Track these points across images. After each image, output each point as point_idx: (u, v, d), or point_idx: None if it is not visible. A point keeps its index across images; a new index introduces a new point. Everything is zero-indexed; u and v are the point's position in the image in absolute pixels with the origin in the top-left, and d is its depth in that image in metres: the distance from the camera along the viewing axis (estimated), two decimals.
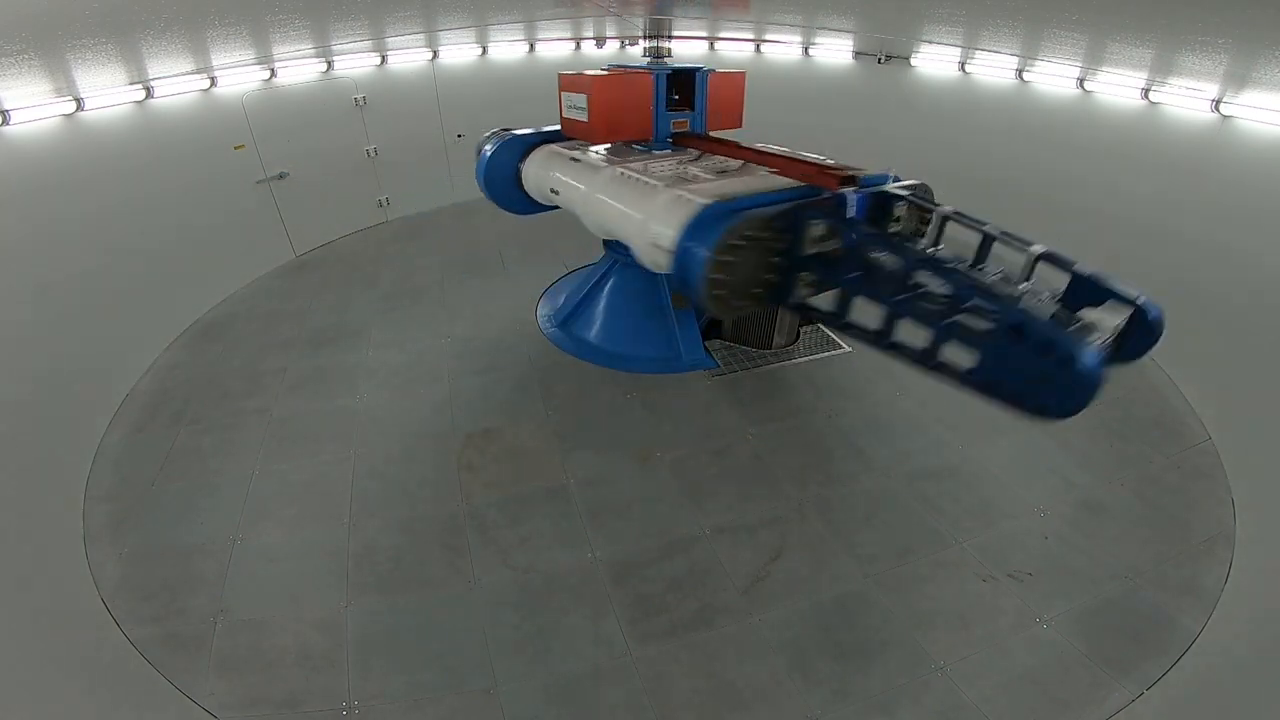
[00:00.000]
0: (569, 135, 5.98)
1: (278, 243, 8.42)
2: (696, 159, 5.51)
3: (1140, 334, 3.03)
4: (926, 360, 3.14)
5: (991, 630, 3.92)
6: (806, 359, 6.44)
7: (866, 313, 3.53)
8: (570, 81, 5.59)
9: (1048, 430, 5.50)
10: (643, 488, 4.93)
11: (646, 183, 4.46)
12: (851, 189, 3.94)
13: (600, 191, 4.91)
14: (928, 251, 3.51)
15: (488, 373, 6.24)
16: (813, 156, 4.67)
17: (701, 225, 3.63)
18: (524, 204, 6.34)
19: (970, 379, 2.97)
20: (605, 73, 5.59)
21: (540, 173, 5.84)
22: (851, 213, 3.86)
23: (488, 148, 6.12)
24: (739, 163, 5.24)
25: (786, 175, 4.54)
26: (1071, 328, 2.83)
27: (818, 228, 3.68)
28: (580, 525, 4.61)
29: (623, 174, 4.80)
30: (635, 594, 4.13)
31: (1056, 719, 3.48)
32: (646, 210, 4.16)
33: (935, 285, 3.15)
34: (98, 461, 5.16)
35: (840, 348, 6.61)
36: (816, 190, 4.10)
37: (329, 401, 5.86)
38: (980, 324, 2.88)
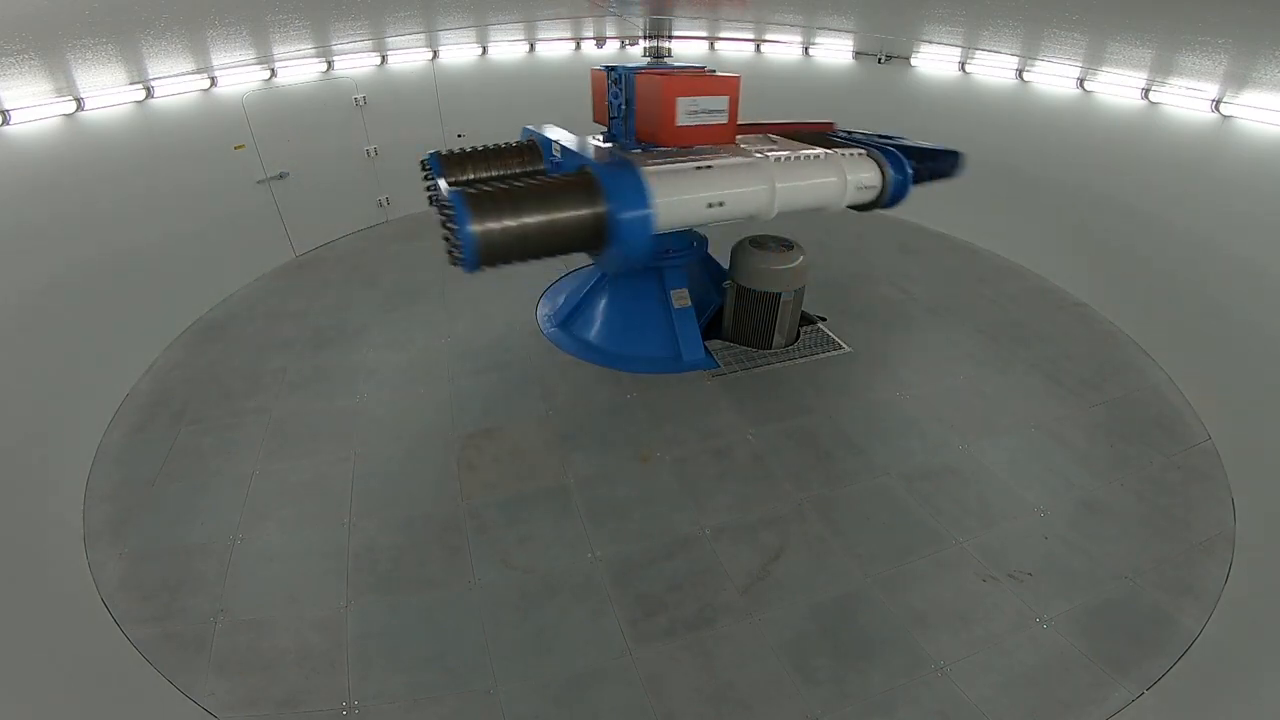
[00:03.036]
0: (686, 144, 5.40)
1: (278, 243, 8.41)
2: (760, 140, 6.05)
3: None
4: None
5: (991, 630, 3.92)
6: (806, 359, 6.44)
7: None
8: (698, 85, 5.39)
9: (1048, 430, 5.50)
10: (643, 488, 4.93)
11: (816, 155, 5.46)
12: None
13: (784, 180, 5.12)
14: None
15: (488, 373, 6.24)
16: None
17: (899, 160, 5.49)
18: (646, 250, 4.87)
19: (927, 177, 5.84)
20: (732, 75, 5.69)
21: (686, 198, 4.81)
22: None
23: (635, 205, 4.47)
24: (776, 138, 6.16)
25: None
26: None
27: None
28: (580, 525, 4.61)
29: (785, 158, 5.32)
30: (635, 594, 4.13)
31: (1056, 719, 3.49)
32: (846, 172, 5.34)
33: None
34: (98, 461, 5.16)
35: (840, 348, 6.61)
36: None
37: (329, 401, 5.86)
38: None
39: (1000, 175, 7.84)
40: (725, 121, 5.51)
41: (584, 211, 4.38)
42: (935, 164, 5.86)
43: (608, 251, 4.66)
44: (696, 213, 4.90)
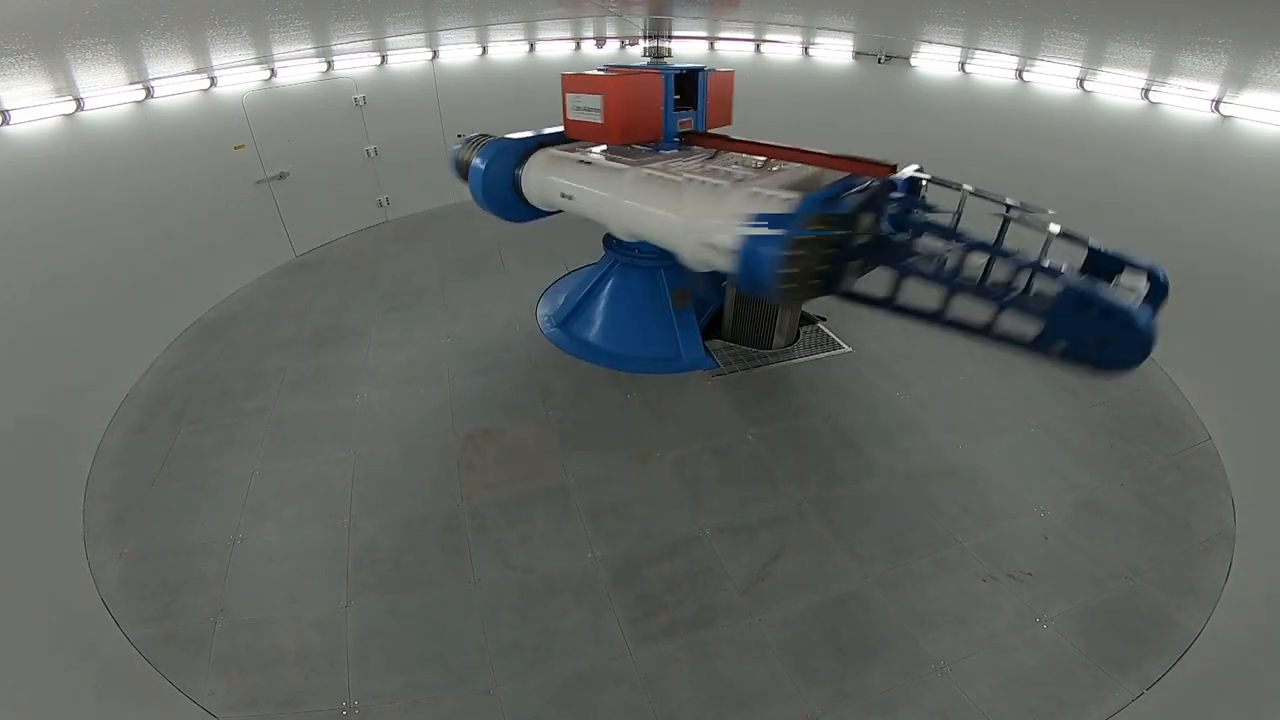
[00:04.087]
0: (575, 137, 5.79)
1: (278, 243, 8.42)
2: (712, 157, 5.60)
3: (1156, 293, 3.38)
4: (989, 332, 3.47)
5: (991, 630, 3.92)
6: (806, 359, 6.44)
7: (920, 294, 3.68)
8: (581, 82, 5.44)
9: (1048, 430, 5.50)
10: (643, 488, 4.93)
11: (705, 182, 4.36)
12: (899, 174, 4.10)
13: (629, 196, 4.84)
14: (957, 232, 3.71)
15: (488, 373, 6.24)
16: (818, 150, 4.85)
17: (785, 221, 3.67)
18: (524, 211, 6.08)
19: (1037, 346, 3.30)
20: (618, 73, 5.53)
21: (546, 178, 5.63)
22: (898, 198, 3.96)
23: (478, 159, 5.78)
24: (756, 160, 5.35)
25: (829, 166, 4.71)
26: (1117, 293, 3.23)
27: (869, 216, 3.77)
28: (580, 525, 4.61)
29: (649, 175, 4.78)
30: (635, 594, 4.13)
31: (1056, 719, 3.48)
32: (710, 209, 4.10)
33: (989, 263, 3.49)
34: (98, 461, 5.16)
35: (840, 348, 6.61)
36: (859, 179, 4.19)
37: (329, 401, 5.86)
38: (1044, 295, 3.24)
39: (1000, 175, 7.83)
40: (600, 121, 5.33)
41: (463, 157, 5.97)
42: (1074, 326, 3.15)
43: None
44: (552, 196, 5.66)
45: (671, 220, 4.35)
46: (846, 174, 4.36)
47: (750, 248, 3.72)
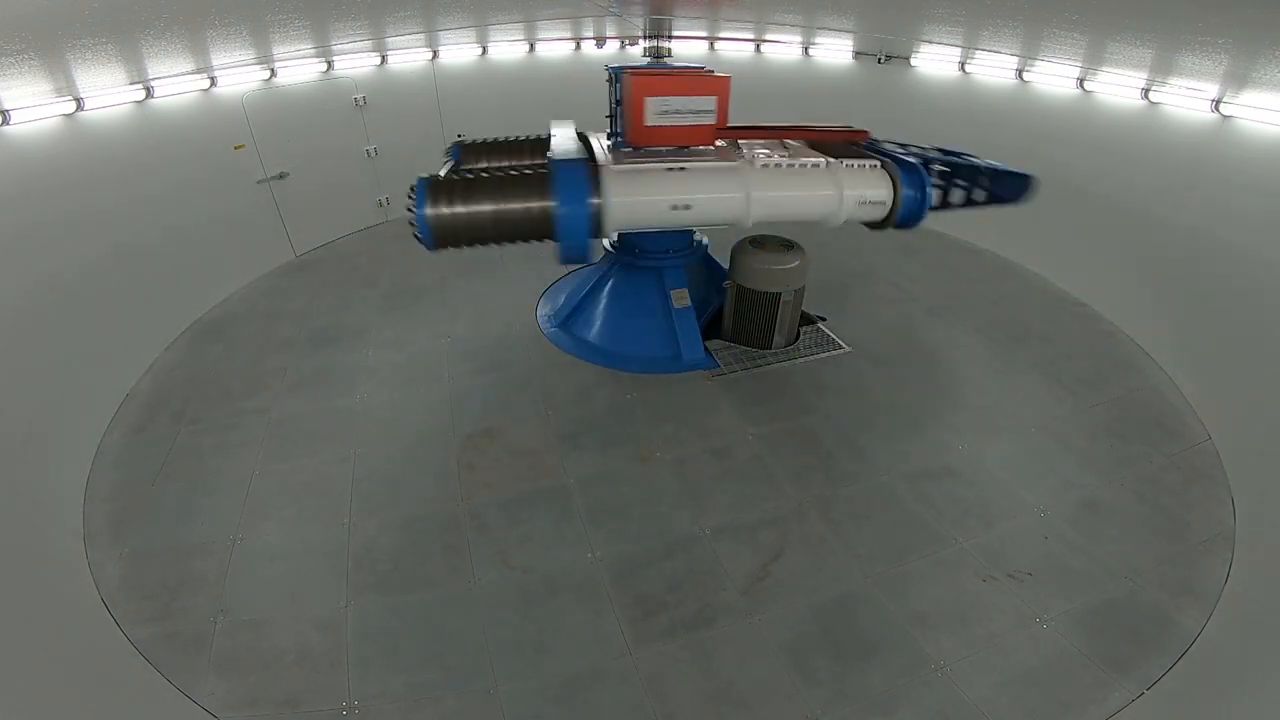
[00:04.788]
0: (654, 144, 5.31)
1: (278, 243, 8.41)
2: (770, 145, 5.76)
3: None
4: (966, 203, 5.46)
5: (991, 630, 3.92)
6: (806, 359, 6.44)
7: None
8: (672, 84, 5.14)
9: (1048, 430, 5.50)
10: (643, 488, 4.93)
11: (815, 164, 5.12)
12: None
13: (766, 188, 4.97)
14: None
15: (488, 373, 6.24)
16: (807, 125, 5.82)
17: (918, 177, 5.06)
18: (588, 249, 4.90)
19: (989, 200, 5.46)
20: (704, 73, 5.57)
21: (645, 199, 4.82)
22: None
23: (563, 202, 4.50)
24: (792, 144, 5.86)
25: (825, 139, 5.77)
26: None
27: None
28: (580, 525, 4.61)
29: (775, 165, 5.10)
30: (635, 594, 4.13)
31: (1056, 719, 3.49)
32: (844, 185, 5.03)
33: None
34: (98, 461, 5.16)
35: (840, 348, 6.61)
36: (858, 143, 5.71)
37: (329, 401, 5.86)
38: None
39: None
40: (709, 123, 5.26)
41: (533, 204, 4.52)
42: (997, 186, 5.33)
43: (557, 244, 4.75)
44: (659, 214, 4.89)
45: (825, 196, 5.07)
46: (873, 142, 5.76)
47: (912, 195, 5.05)
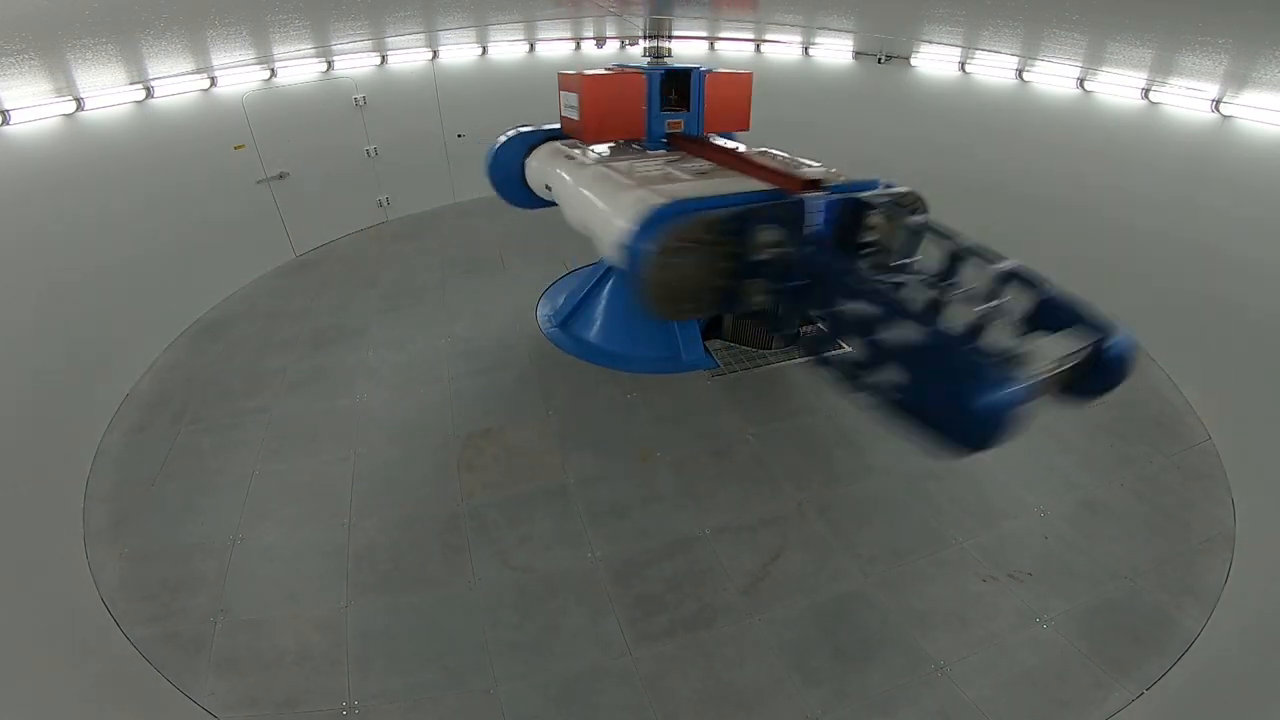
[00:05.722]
0: (567, 133, 6.04)
1: (278, 243, 8.41)
2: (680, 159, 5.45)
3: (1103, 369, 2.86)
4: (854, 377, 3.09)
5: (991, 630, 3.92)
6: (807, 359, 6.43)
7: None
8: (565, 81, 5.68)
9: (1048, 430, 5.49)
10: (643, 488, 4.93)
11: (620, 181, 4.55)
12: (814, 194, 3.87)
13: (582, 187, 5.03)
14: (900, 263, 3.49)
15: (488, 373, 6.24)
16: (807, 161, 4.47)
17: (650, 224, 3.68)
18: (526, 198, 6.42)
19: (897, 399, 2.85)
20: (600, 72, 5.61)
21: (540, 168, 5.94)
22: (815, 220, 3.79)
23: (498, 141, 6.26)
24: (704, 164, 5.29)
25: (752, 178, 4.49)
26: (1001, 355, 2.65)
27: (767, 234, 3.65)
28: (580, 525, 4.61)
29: (604, 171, 4.93)
30: (635, 594, 4.13)
31: (1056, 719, 3.48)
32: (613, 207, 4.24)
33: (864, 304, 3.06)
34: (98, 461, 5.16)
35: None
36: (780, 194, 4.05)
37: (329, 401, 5.86)
38: (906, 342, 2.76)
39: (1000, 175, 7.83)
40: (577, 118, 5.51)
41: None
42: (920, 395, 2.92)
43: None
44: (538, 186, 6.00)
45: (602, 214, 4.43)
46: (766, 187, 4.24)
47: (628, 245, 3.70)
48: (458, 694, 3.59)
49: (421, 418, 5.66)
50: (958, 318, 2.96)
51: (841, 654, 3.79)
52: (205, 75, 6.95)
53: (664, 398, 5.87)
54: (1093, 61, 5.99)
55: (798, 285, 3.50)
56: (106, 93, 5.95)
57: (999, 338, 2.81)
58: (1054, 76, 7.38)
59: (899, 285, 3.10)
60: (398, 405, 5.82)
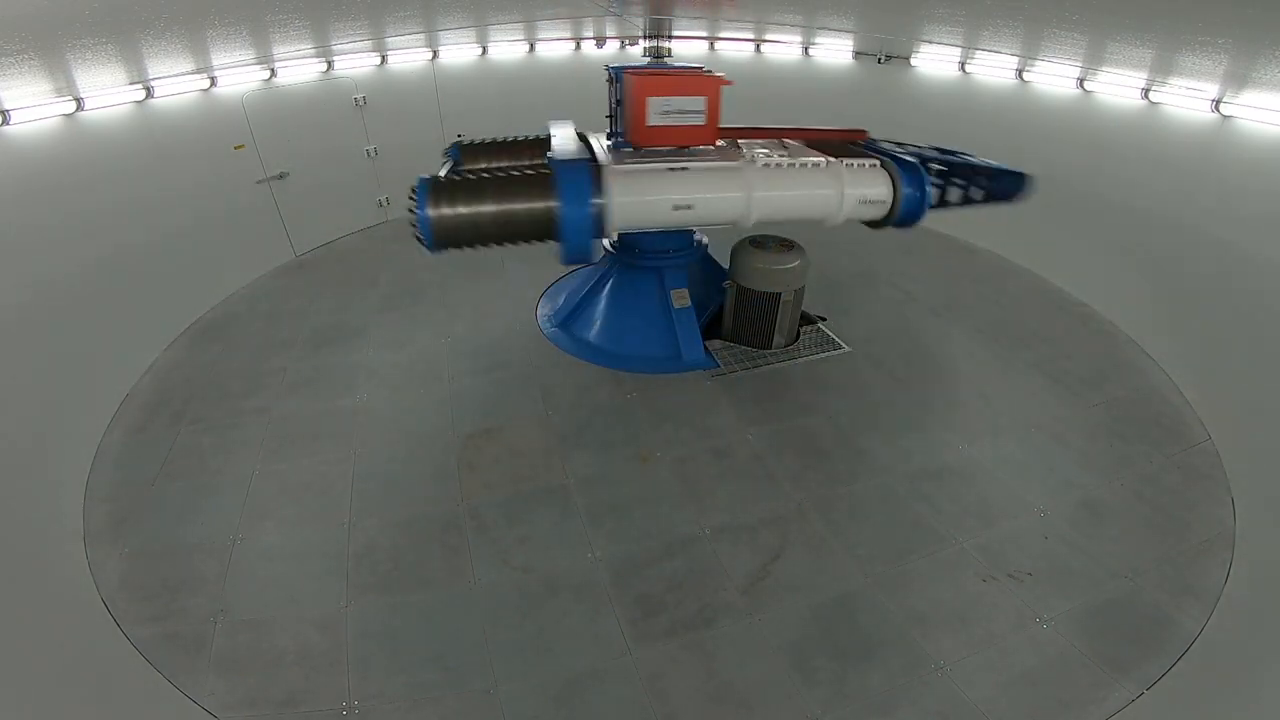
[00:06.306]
0: (654, 145, 5.31)
1: (278, 243, 8.41)
2: (771, 146, 5.75)
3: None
4: (964, 201, 5.43)
5: (991, 630, 3.92)
6: (806, 359, 6.44)
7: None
8: (670, 84, 5.15)
9: (1048, 430, 5.50)
10: (643, 488, 4.93)
11: (819, 162, 5.15)
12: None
13: (768, 188, 4.97)
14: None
15: (488, 373, 6.24)
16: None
17: (917, 176, 5.10)
18: (590, 248, 4.90)
19: (986, 199, 5.38)
20: (699, 72, 5.52)
21: (648, 199, 4.83)
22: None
23: (565, 202, 4.46)
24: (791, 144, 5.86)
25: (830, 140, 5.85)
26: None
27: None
28: (580, 525, 4.61)
29: (776, 164, 5.09)
30: (635, 594, 4.13)
31: (1056, 719, 3.49)
32: (848, 183, 5.06)
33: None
34: (98, 461, 5.16)
35: (840, 348, 6.61)
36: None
37: (329, 401, 5.86)
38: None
39: None
40: (703, 123, 5.24)
41: (537, 204, 4.49)
42: (994, 184, 5.30)
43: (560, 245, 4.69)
44: (661, 214, 4.89)
45: (825, 195, 5.09)
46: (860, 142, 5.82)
47: (911, 194, 5.08)
48: (458, 694, 3.59)
49: (421, 418, 5.66)
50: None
51: (841, 654, 3.79)
52: (205, 75, 6.95)
53: (664, 398, 5.87)
54: (1093, 61, 6.00)
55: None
56: (106, 93, 5.95)
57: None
58: (1054, 76, 7.38)
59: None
60: (398, 405, 5.82)
